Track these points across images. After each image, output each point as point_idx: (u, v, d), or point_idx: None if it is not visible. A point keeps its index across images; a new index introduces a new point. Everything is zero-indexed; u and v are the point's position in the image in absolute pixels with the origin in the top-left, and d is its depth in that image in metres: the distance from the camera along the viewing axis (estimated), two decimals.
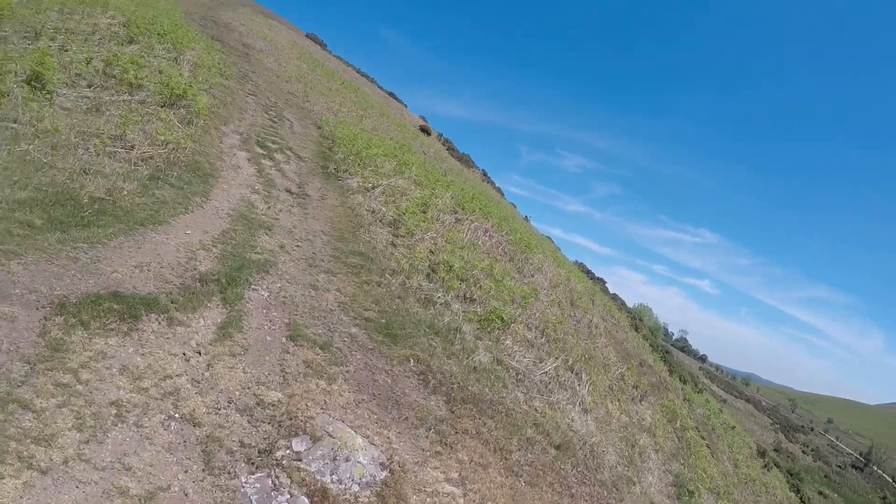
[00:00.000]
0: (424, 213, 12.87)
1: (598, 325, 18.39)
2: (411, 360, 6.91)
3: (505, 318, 10.06)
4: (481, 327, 9.40)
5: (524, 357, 9.55)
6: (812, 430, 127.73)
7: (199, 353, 5.25)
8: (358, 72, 50.14)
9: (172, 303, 5.67)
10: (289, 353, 5.89)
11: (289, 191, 10.83)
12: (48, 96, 9.66)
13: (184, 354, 5.14)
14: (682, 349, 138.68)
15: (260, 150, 12.24)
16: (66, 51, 12.15)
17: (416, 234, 11.10)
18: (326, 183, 12.26)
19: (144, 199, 7.49)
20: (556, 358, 10.33)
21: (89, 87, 11.39)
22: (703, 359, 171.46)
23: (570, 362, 10.76)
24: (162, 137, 9.55)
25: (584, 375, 10.71)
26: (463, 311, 9.47)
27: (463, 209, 15.63)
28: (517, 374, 8.79)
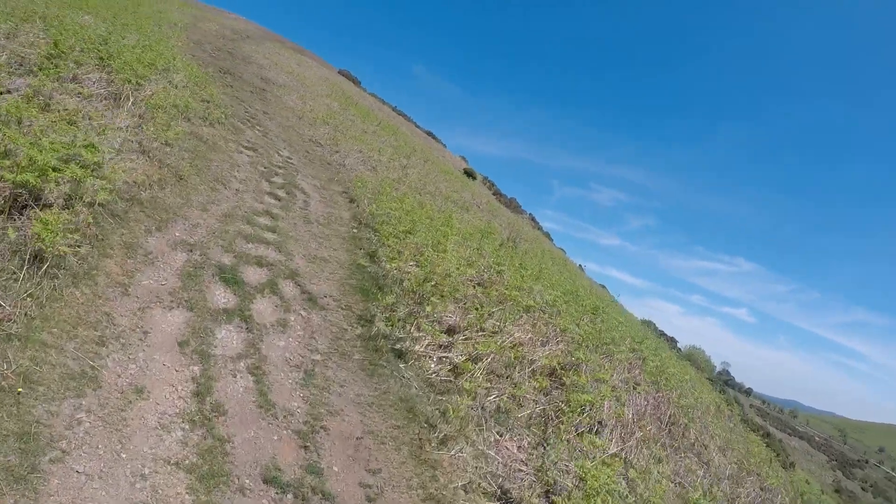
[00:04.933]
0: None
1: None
2: None
3: None
4: None
5: None
6: (867, 462, 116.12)
7: None
8: (395, 110, 43.68)
9: None
10: None
11: None
12: None
13: None
14: (725, 383, 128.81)
15: (221, 300, 5.02)
16: None
17: None
18: (370, 387, 4.82)
19: None
20: None
21: None
22: (748, 392, 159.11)
23: None
24: None
25: None
26: None
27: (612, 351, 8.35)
28: None
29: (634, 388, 8.42)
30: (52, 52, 8.44)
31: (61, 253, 4.36)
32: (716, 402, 16.81)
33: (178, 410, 3.66)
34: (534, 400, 5.53)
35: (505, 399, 5.32)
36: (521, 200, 50.06)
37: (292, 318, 5.21)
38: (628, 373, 8.81)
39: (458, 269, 7.14)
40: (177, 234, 5.86)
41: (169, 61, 11.20)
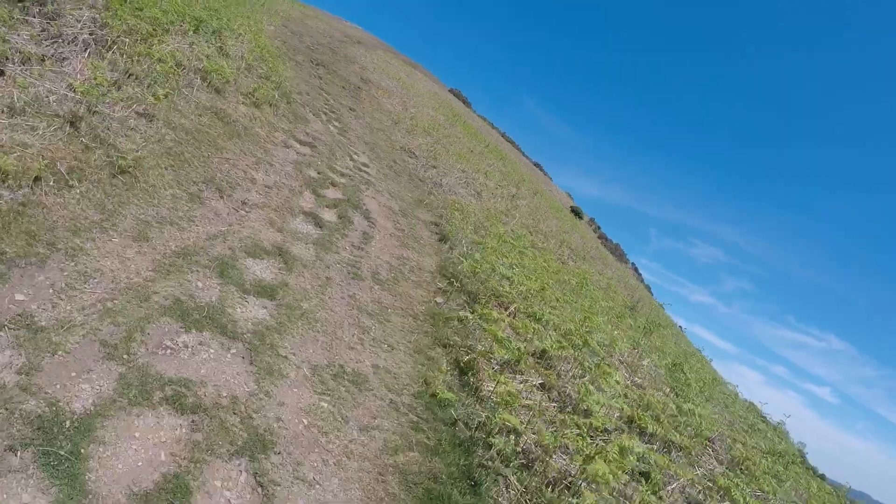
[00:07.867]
0: None
1: None
2: None
3: None
4: None
5: None
6: None
7: None
8: (503, 136, 40.27)
9: None
10: None
11: None
12: None
13: None
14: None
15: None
16: None
17: None
18: None
19: None
20: None
21: None
22: (822, 478, 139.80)
23: None
24: None
25: None
26: None
27: None
28: None
29: None
30: None
31: None
32: None
33: None
34: None
35: None
36: (623, 247, 44.61)
37: None
38: None
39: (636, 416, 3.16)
40: (17, 298, 2.39)
41: (225, 24, 8.17)
